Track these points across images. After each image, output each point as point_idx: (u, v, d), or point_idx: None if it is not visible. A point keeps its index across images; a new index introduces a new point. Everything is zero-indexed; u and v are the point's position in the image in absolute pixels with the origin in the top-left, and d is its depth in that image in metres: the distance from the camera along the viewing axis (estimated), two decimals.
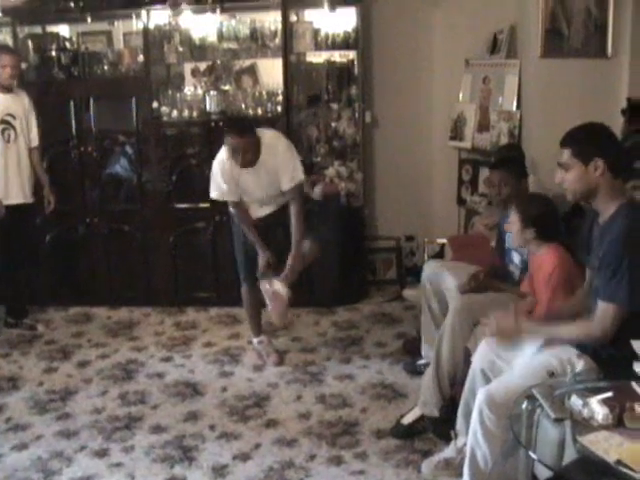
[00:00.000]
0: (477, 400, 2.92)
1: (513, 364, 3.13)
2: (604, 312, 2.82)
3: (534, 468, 2.72)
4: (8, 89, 5.21)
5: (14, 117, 5.23)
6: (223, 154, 4.57)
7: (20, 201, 5.28)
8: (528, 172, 4.31)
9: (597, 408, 2.36)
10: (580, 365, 2.89)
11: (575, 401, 2.43)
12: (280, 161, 4.54)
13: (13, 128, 5.23)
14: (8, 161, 5.21)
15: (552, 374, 2.87)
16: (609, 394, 2.43)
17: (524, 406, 2.58)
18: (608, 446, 2.23)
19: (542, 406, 2.51)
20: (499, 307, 3.51)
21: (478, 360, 3.28)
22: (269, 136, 4.59)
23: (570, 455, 2.40)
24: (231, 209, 4.75)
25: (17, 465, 3.74)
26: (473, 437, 2.94)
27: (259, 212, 4.78)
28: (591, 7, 4.79)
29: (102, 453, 3.83)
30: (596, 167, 2.84)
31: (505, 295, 3.81)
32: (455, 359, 3.72)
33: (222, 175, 4.58)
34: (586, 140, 2.89)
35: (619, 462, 2.15)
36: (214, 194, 4.70)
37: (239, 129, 4.48)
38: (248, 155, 4.44)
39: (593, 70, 4.77)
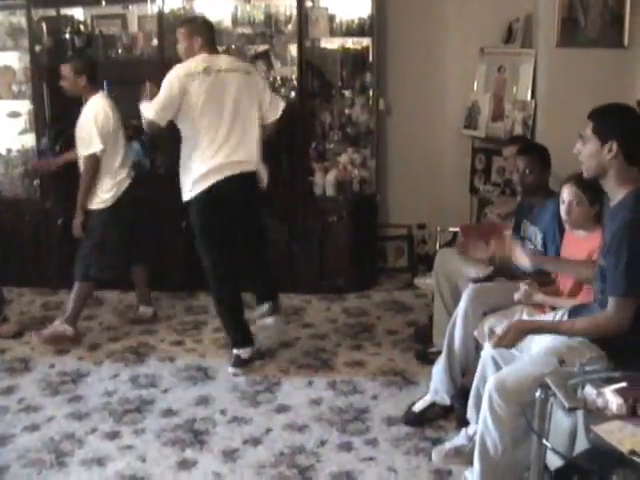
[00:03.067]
0: (487, 386, 2.93)
1: (524, 351, 3.14)
2: (617, 307, 2.79)
3: (545, 457, 2.73)
4: None
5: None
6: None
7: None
8: None
9: (611, 398, 2.35)
10: (588, 353, 2.88)
11: (589, 391, 2.42)
12: None
13: None
14: None
15: (562, 362, 2.86)
16: (623, 384, 2.42)
17: (537, 395, 2.57)
18: (622, 436, 2.22)
19: (555, 395, 2.51)
20: (512, 295, 3.54)
21: (489, 347, 3.29)
22: None
23: (581, 445, 2.41)
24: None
25: (29, 446, 3.77)
26: (483, 424, 2.94)
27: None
28: None
29: (113, 435, 3.86)
30: (610, 149, 2.78)
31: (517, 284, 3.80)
32: (467, 346, 3.73)
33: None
34: (609, 120, 2.84)
35: (633, 452, 2.15)
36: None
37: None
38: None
39: (609, 60, 4.74)
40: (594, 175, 2.90)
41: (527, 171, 4.00)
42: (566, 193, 3.42)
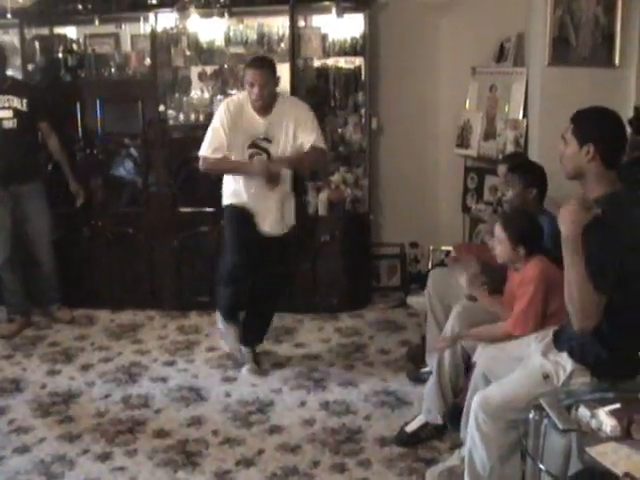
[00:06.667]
0: (473, 404, 2.96)
1: (512, 368, 3.12)
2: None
3: (540, 479, 2.71)
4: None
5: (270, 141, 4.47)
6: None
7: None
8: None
9: (605, 419, 2.35)
10: (569, 365, 2.86)
11: (583, 412, 2.42)
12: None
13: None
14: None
15: (547, 376, 2.87)
16: (617, 405, 2.42)
17: (531, 416, 2.57)
18: (617, 458, 2.22)
19: (549, 416, 2.50)
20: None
21: (480, 365, 3.30)
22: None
23: (575, 466, 2.39)
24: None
25: (19, 468, 3.73)
26: (471, 441, 2.97)
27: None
28: (599, 16, 4.79)
29: (105, 457, 3.82)
30: (588, 152, 2.77)
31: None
32: (456, 364, 3.74)
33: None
34: (588, 122, 2.85)
35: (627, 475, 2.14)
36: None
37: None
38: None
39: (600, 79, 4.76)
40: (572, 176, 2.88)
41: (509, 189, 4.01)
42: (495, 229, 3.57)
